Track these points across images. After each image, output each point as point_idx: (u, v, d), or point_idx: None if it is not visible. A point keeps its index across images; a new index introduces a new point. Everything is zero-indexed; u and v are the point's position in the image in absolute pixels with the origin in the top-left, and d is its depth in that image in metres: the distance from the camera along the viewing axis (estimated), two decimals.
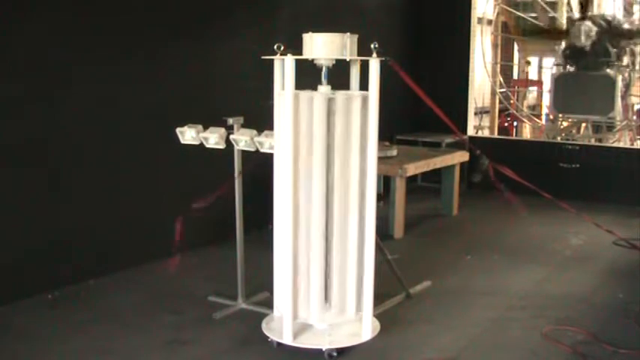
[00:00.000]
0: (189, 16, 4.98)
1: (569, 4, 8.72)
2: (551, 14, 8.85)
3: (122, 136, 4.55)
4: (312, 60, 3.26)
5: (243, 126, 3.74)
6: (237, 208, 3.95)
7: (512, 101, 9.44)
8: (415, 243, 5.59)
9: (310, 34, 3.20)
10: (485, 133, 9.66)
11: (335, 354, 3.29)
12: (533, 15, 9.15)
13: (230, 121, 3.73)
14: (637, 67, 8.08)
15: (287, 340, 3.31)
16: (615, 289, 4.41)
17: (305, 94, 3.20)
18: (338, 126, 3.21)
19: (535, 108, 10.98)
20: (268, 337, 3.41)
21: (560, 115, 8.48)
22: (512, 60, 11.33)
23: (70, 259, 4.28)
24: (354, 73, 3.42)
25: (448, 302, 4.15)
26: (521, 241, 5.66)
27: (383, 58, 3.20)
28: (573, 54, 7.86)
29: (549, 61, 9.91)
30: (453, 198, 6.48)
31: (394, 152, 6.07)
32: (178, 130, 3.81)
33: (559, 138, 8.46)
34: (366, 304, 3.35)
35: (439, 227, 6.16)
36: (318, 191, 3.23)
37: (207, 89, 5.12)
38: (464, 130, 7.61)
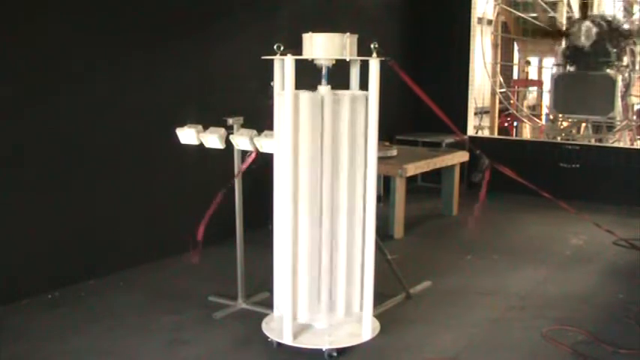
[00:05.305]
0: (189, 16, 4.98)
1: (569, 4, 8.71)
2: (551, 14, 8.85)
3: (122, 137, 4.55)
4: (312, 60, 3.26)
5: (243, 126, 3.74)
6: (237, 208, 3.95)
7: (512, 101, 9.43)
8: (415, 243, 5.59)
9: (310, 34, 3.20)
10: (486, 133, 9.66)
11: (335, 354, 3.29)
12: (534, 15, 9.15)
13: (230, 121, 3.73)
14: (637, 67, 8.07)
15: (287, 340, 3.30)
16: (615, 289, 4.41)
17: (298, 94, 3.20)
18: (327, 126, 3.21)
19: (535, 108, 10.97)
20: (268, 337, 3.41)
21: (560, 115, 8.48)
22: (512, 60, 11.31)
23: (70, 259, 4.28)
24: (354, 73, 3.42)
25: (448, 302, 4.15)
26: (521, 241, 5.66)
27: (383, 58, 3.20)
28: (573, 54, 7.86)
29: (549, 61, 9.89)
30: (453, 198, 6.48)
31: (394, 152, 6.07)
32: (178, 130, 3.81)
33: (559, 138, 8.45)
34: (366, 304, 3.35)
35: (439, 227, 6.16)
36: (309, 191, 3.23)
37: (207, 89, 5.12)
38: (464, 130, 7.61)
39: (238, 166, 3.89)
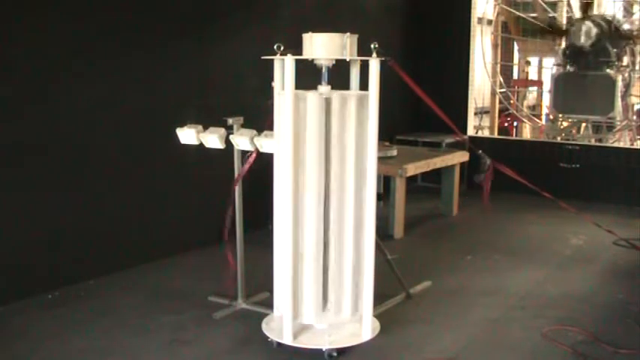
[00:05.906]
0: (189, 16, 4.98)
1: (569, 4, 8.71)
2: (551, 14, 8.84)
3: (122, 137, 4.55)
4: (312, 60, 3.26)
5: (243, 126, 3.74)
6: (237, 208, 3.95)
7: (512, 101, 9.43)
8: (415, 243, 5.59)
9: (310, 34, 3.20)
10: (486, 133, 9.66)
11: (335, 354, 3.29)
12: (533, 15, 9.15)
13: (230, 121, 3.73)
14: (637, 67, 8.07)
15: (287, 340, 3.30)
16: (615, 289, 4.41)
17: (300, 94, 3.20)
18: (334, 126, 3.21)
19: (535, 108, 10.97)
20: (268, 337, 3.41)
21: (560, 115, 8.48)
22: (512, 60, 11.32)
23: (70, 259, 4.28)
24: (354, 73, 3.42)
25: (448, 302, 4.15)
26: (521, 241, 5.66)
27: (383, 58, 3.20)
28: (573, 54, 7.85)
29: (549, 61, 9.89)
30: (453, 198, 6.48)
31: (394, 152, 6.07)
32: (178, 130, 3.81)
33: (559, 138, 8.45)
34: (365, 304, 3.35)
35: (439, 227, 6.16)
36: (316, 191, 3.23)
37: (206, 89, 5.12)
38: (464, 130, 7.60)
39: (238, 166, 3.89)
